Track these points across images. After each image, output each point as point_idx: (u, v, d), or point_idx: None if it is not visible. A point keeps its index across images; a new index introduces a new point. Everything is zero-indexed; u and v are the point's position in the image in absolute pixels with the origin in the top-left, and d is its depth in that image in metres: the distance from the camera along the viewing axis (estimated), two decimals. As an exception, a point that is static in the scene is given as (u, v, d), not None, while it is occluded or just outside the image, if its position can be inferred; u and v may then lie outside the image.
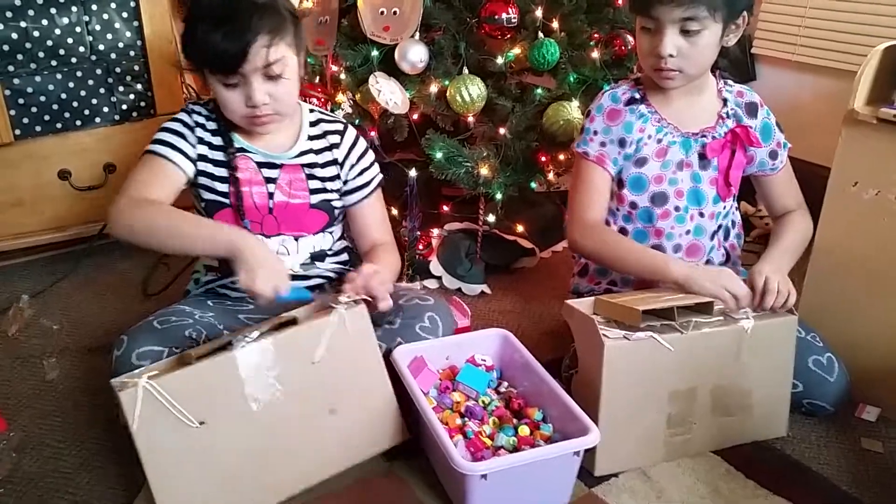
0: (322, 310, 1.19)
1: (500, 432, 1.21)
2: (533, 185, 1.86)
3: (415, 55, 1.70)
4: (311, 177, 1.38)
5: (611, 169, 1.39)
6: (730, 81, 1.43)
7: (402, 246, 1.92)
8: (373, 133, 1.80)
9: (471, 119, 1.79)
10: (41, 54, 1.74)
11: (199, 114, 1.35)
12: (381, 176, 1.47)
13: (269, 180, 1.34)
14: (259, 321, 1.41)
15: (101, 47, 1.81)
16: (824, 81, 2.11)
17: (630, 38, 1.84)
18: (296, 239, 1.38)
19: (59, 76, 1.77)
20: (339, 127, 1.42)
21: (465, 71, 1.74)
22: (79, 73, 1.80)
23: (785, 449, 1.31)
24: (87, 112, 1.83)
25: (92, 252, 1.93)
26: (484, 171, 1.73)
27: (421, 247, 1.91)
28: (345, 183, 1.41)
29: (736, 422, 1.29)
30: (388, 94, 1.70)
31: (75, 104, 1.81)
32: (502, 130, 1.78)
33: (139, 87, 1.89)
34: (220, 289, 1.38)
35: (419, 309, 1.37)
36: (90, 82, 1.82)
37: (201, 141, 1.33)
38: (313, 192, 1.38)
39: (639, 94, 1.39)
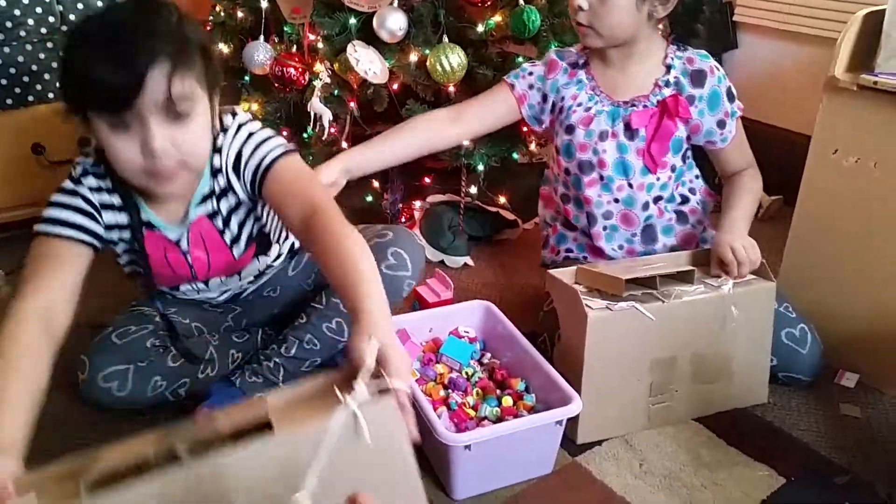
0: (320, 395, 0.75)
1: (483, 403, 1.22)
2: (515, 155, 1.85)
3: (394, 23, 1.67)
4: (222, 230, 1.19)
5: (525, 112, 1.43)
6: (688, 48, 1.37)
7: (385, 219, 1.90)
8: (352, 104, 1.77)
9: (451, 89, 1.76)
10: (9, 24, 1.69)
11: (89, 174, 1.11)
12: (280, 146, 1.12)
13: (179, 246, 1.19)
14: (224, 313, 1.38)
15: (73, 17, 1.76)
16: (806, 49, 2.10)
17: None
18: (234, 275, 1.29)
19: (28, 47, 1.73)
20: (220, 141, 1.12)
21: (446, 39, 1.71)
22: (49, 45, 1.75)
23: (765, 416, 1.32)
24: (59, 84, 1.79)
25: (68, 228, 1.89)
26: (465, 142, 1.71)
27: (403, 219, 1.90)
28: (247, 193, 1.16)
29: (717, 389, 1.30)
30: (367, 63, 1.68)
31: (47, 76, 1.77)
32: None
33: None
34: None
35: (379, 248, 1.26)
36: (62, 53, 1.77)
37: (103, 206, 1.12)
38: (233, 243, 1.21)
39: (582, 59, 1.41)
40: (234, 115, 1.15)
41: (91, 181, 1.11)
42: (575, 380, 1.19)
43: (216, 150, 1.12)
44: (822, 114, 1.38)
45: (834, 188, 1.39)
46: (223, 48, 1.92)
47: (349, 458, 0.67)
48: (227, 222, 1.19)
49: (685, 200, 1.44)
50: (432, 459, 1.18)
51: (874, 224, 1.34)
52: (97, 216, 1.11)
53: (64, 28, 1.75)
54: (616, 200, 1.40)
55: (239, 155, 1.12)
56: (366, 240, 1.19)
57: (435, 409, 1.15)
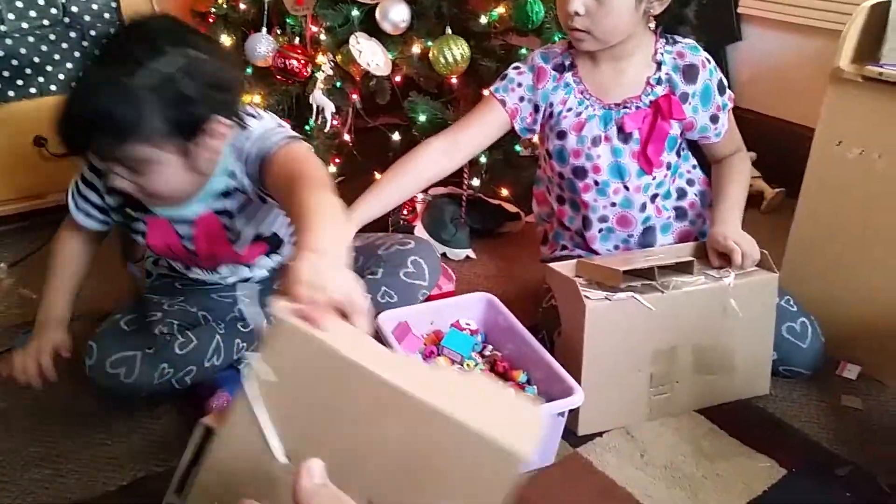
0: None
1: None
2: (518, 148, 1.85)
3: (397, 15, 1.67)
4: (227, 227, 1.21)
5: (517, 125, 1.38)
6: (676, 38, 1.34)
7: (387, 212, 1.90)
8: (354, 96, 1.77)
9: (454, 81, 1.76)
10: (11, 16, 1.69)
11: (87, 183, 1.22)
12: (283, 133, 1.10)
13: (182, 237, 1.21)
14: (233, 303, 1.35)
15: (75, 9, 1.76)
16: (810, 41, 2.09)
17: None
18: (244, 266, 1.31)
19: (31, 39, 1.73)
20: (241, 141, 1.11)
21: (449, 31, 1.71)
22: (52, 37, 1.75)
23: (767, 407, 1.32)
24: (62, 77, 1.79)
25: (71, 220, 1.90)
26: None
27: (405, 212, 1.90)
28: (251, 178, 1.13)
29: (718, 380, 1.30)
30: (370, 55, 1.67)
31: (49, 68, 1.77)
32: (486, 92, 1.76)
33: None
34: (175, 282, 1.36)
35: (400, 255, 1.31)
36: (64, 46, 1.77)
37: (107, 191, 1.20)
38: (236, 241, 1.23)
39: (568, 60, 1.36)
40: (255, 116, 1.13)
41: (88, 188, 1.23)
42: (575, 371, 1.19)
43: (233, 151, 1.11)
44: (826, 105, 1.38)
45: (837, 180, 1.38)
46: (225, 40, 1.92)
47: (290, 398, 0.64)
48: (232, 220, 1.19)
49: (682, 195, 1.43)
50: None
51: (877, 216, 1.34)
52: (100, 210, 1.24)
53: (66, 20, 1.75)
54: (613, 204, 1.38)
55: (248, 153, 1.10)
56: (390, 244, 1.26)
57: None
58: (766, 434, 1.26)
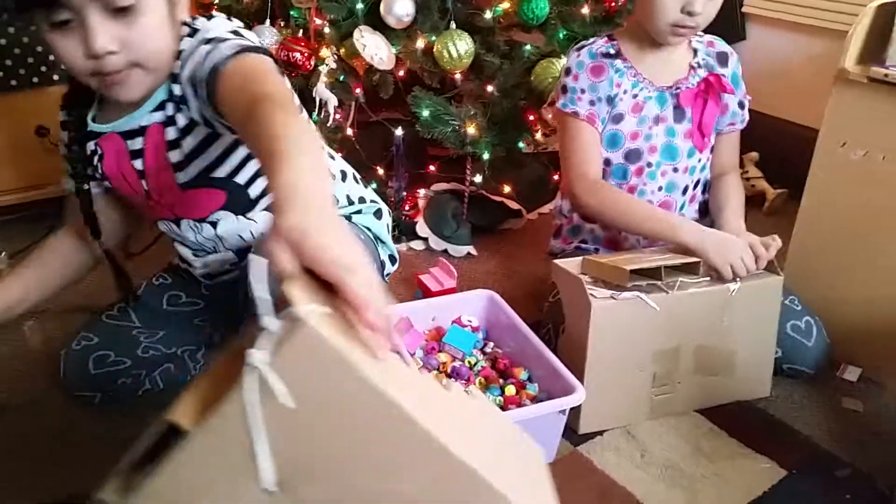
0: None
1: (486, 392, 1.22)
2: (521, 145, 1.84)
3: (401, 9, 1.66)
4: (170, 145, 1.03)
5: (599, 128, 1.37)
6: (703, 34, 1.40)
7: (389, 206, 1.90)
8: (358, 90, 1.76)
9: (458, 76, 1.76)
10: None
11: (63, 121, 1.11)
12: (234, 43, 0.91)
13: (132, 156, 1.06)
14: (214, 322, 1.30)
15: (77, -1, 1.75)
16: (815, 42, 2.09)
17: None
18: (206, 224, 1.12)
19: (33, 28, 1.71)
20: (183, 46, 0.98)
21: (453, 26, 1.70)
22: (54, 26, 1.74)
23: (768, 408, 1.32)
24: (64, 67, 1.78)
25: (72, 210, 1.89)
26: (471, 129, 1.71)
27: (407, 207, 1.89)
28: (200, 110, 0.97)
29: (719, 381, 1.30)
30: (374, 48, 1.67)
31: (51, 58, 1.76)
32: (490, 88, 1.75)
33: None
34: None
35: None
36: None
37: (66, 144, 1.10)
38: (179, 166, 1.05)
39: (613, 49, 1.37)
40: (209, 19, 1.02)
41: (61, 114, 1.10)
42: (579, 369, 1.19)
43: (178, 55, 0.98)
44: (831, 106, 1.37)
45: (841, 181, 1.38)
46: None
47: (298, 419, 0.52)
48: (179, 139, 1.03)
49: (706, 188, 1.47)
50: (434, 447, 1.18)
51: (881, 217, 1.34)
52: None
53: (69, 9, 1.74)
54: (660, 188, 1.40)
55: (196, 64, 0.93)
56: None
57: (437, 397, 1.15)
58: (766, 435, 1.26)
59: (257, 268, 0.52)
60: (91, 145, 1.10)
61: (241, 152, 1.08)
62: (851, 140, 1.35)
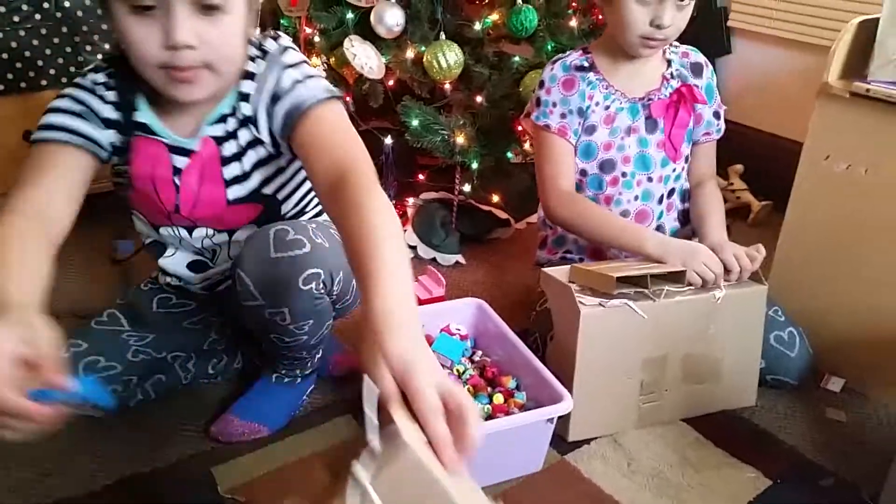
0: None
1: (474, 400, 1.22)
2: (509, 155, 1.86)
3: (391, 19, 1.67)
4: (227, 161, 1.05)
5: (572, 140, 1.39)
6: (674, 42, 1.40)
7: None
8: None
9: (447, 86, 1.77)
10: (2, 10, 1.67)
11: (99, 72, 1.03)
12: (329, 92, 1.00)
13: (174, 170, 1.06)
14: (205, 324, 1.28)
15: (67, 4, 1.74)
16: (799, 56, 2.12)
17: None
18: (224, 233, 1.14)
19: (22, 33, 1.71)
20: (253, 68, 1.01)
21: (443, 37, 1.71)
22: (43, 31, 1.73)
23: (753, 418, 1.33)
24: (52, 71, 1.77)
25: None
26: (460, 139, 1.72)
27: (395, 215, 1.90)
28: (272, 137, 1.04)
29: (706, 390, 1.31)
30: (364, 58, 1.68)
31: (40, 63, 1.75)
32: (479, 98, 1.77)
33: (107, 46, 1.83)
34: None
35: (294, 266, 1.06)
36: (55, 40, 1.75)
37: (105, 122, 1.02)
38: (232, 182, 1.07)
39: (587, 62, 1.39)
40: (275, 39, 1.04)
41: (99, 76, 1.02)
42: (567, 377, 1.19)
43: (249, 75, 1.02)
44: (814, 120, 1.40)
45: (825, 194, 1.40)
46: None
47: None
48: (239, 154, 1.06)
49: (685, 199, 1.48)
50: (422, 455, 1.18)
51: (863, 230, 1.35)
52: (95, 115, 1.01)
53: (59, 14, 1.73)
54: (636, 197, 1.41)
55: (276, 92, 1.00)
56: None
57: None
58: (751, 444, 1.27)
59: (370, 394, 0.61)
60: (120, 137, 1.04)
61: (290, 171, 1.12)
62: (835, 153, 1.37)
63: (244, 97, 1.02)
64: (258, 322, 1.10)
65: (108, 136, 1.02)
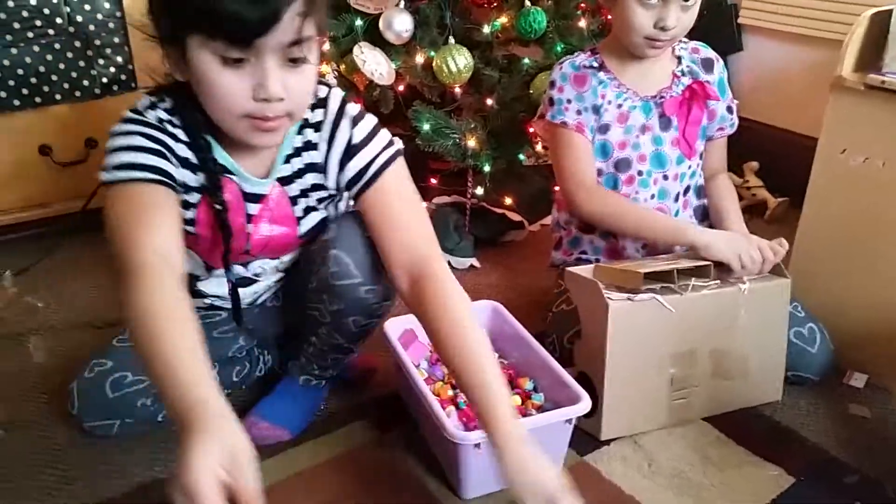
0: None
1: (491, 402, 1.21)
2: (521, 157, 1.85)
3: (400, 24, 1.68)
4: (296, 199, 1.10)
5: (588, 136, 1.38)
6: (683, 38, 1.39)
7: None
8: (358, 105, 1.77)
9: (457, 90, 1.77)
10: (17, 26, 1.69)
11: (157, 108, 0.99)
12: (392, 146, 1.07)
13: (248, 216, 1.08)
14: (234, 332, 1.26)
15: (80, 18, 1.76)
16: (811, 51, 2.10)
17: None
18: (275, 260, 1.19)
19: (36, 48, 1.73)
20: (318, 117, 1.05)
21: (452, 41, 1.71)
22: (57, 46, 1.75)
23: (775, 416, 1.32)
24: (66, 86, 1.79)
25: (77, 228, 1.89)
26: (472, 142, 1.72)
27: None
28: (338, 185, 1.09)
29: (734, 385, 1.30)
30: (373, 64, 1.68)
31: (54, 77, 1.77)
32: (489, 101, 1.77)
33: (119, 59, 1.85)
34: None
35: (322, 249, 1.09)
36: (69, 55, 1.77)
37: (181, 161, 1.00)
38: (303, 217, 1.12)
39: (596, 62, 1.39)
40: (328, 87, 1.07)
41: (161, 114, 0.98)
42: (598, 375, 1.19)
43: (311, 124, 1.05)
44: (829, 114, 1.38)
45: (842, 188, 1.39)
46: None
47: None
48: (305, 193, 1.09)
49: (700, 195, 1.47)
50: (441, 458, 1.18)
51: (882, 224, 1.34)
52: (168, 152, 0.97)
53: (72, 30, 1.76)
54: (652, 196, 1.40)
55: (349, 147, 1.04)
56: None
57: (444, 409, 1.15)
58: (773, 442, 1.25)
59: None
60: (194, 177, 1.02)
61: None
62: (851, 147, 1.36)
63: (313, 146, 1.06)
64: (331, 308, 1.11)
65: (182, 175, 1.00)
